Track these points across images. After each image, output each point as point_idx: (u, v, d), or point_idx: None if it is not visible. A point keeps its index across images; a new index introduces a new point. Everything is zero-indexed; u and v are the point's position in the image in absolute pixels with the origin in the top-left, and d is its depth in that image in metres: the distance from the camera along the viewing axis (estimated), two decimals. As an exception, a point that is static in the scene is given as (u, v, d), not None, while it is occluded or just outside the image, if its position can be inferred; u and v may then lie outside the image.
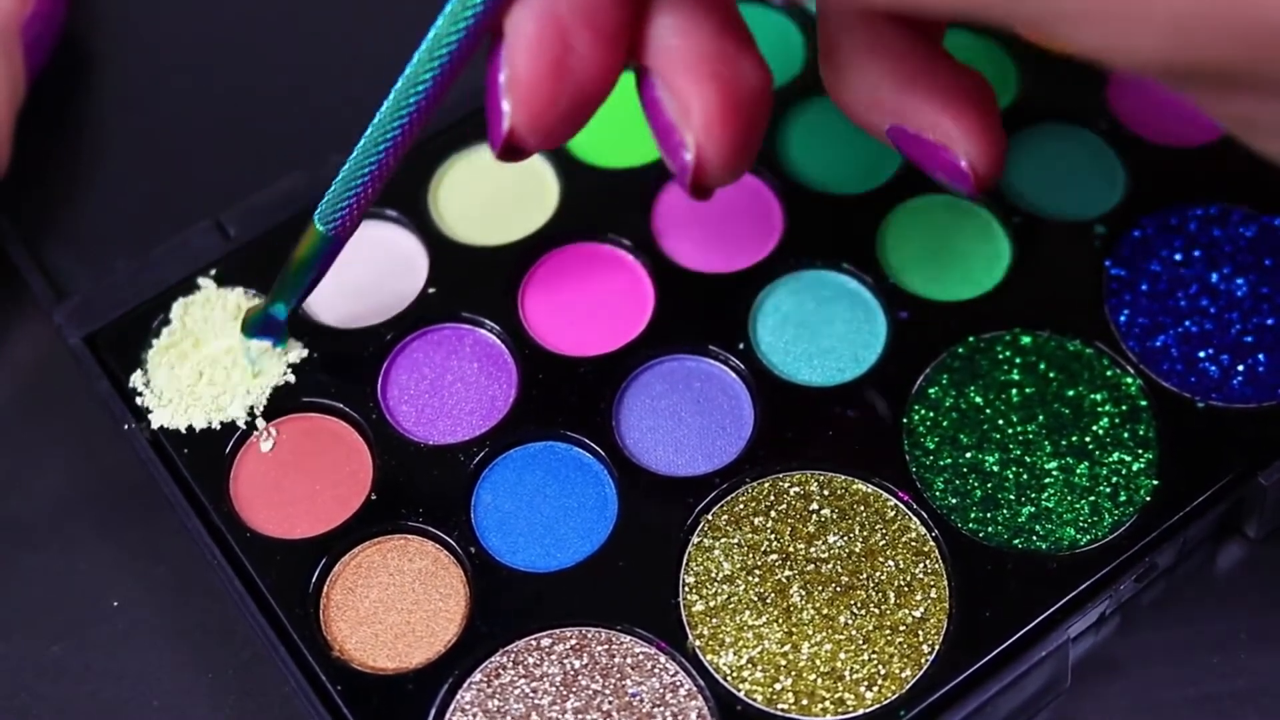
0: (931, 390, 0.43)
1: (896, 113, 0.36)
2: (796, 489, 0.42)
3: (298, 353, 0.44)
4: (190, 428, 0.43)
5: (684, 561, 0.41)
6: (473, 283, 0.46)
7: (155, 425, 0.43)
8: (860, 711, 0.39)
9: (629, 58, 0.35)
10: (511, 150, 0.35)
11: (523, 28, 0.33)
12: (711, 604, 0.40)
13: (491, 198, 0.47)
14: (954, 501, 0.41)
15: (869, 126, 0.37)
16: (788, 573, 0.41)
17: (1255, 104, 0.30)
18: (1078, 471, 0.42)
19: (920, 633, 0.39)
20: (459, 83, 0.35)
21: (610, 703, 0.39)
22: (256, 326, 0.43)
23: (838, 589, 0.40)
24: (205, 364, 0.44)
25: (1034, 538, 0.41)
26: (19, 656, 0.43)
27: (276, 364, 0.44)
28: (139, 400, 0.44)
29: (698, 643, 0.40)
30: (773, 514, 0.41)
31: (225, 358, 0.44)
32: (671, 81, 0.34)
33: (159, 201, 0.50)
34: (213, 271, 0.46)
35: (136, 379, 0.44)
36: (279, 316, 0.43)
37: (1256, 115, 0.30)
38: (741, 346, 0.44)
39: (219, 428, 0.43)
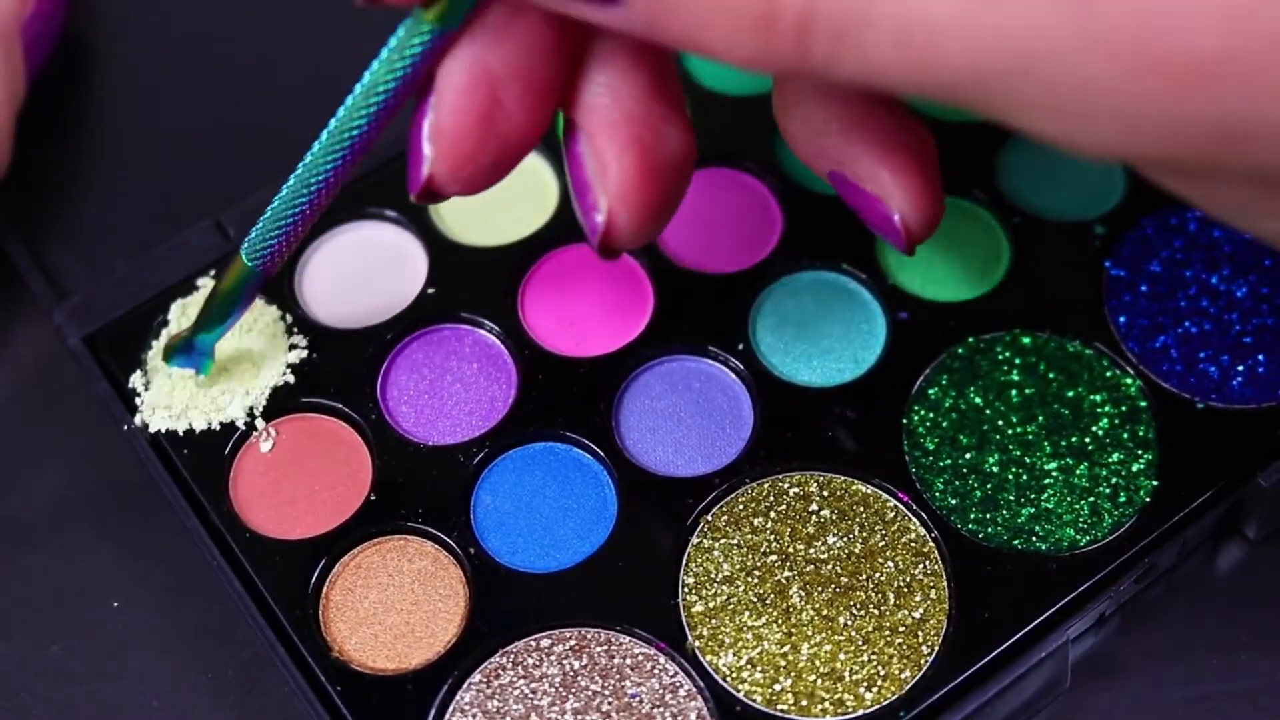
0: (931, 391, 0.43)
1: (837, 159, 0.36)
2: (796, 490, 0.42)
3: (298, 353, 0.44)
4: (190, 428, 0.43)
5: (683, 562, 0.41)
6: (472, 283, 0.46)
7: (154, 427, 0.43)
8: (860, 712, 0.39)
9: (559, 108, 0.35)
10: (429, 195, 0.35)
11: (453, 79, 0.33)
12: (711, 605, 0.40)
13: (491, 198, 0.47)
14: (954, 502, 0.41)
15: (811, 165, 0.37)
16: (787, 573, 0.41)
17: (1218, 190, 0.30)
18: (1077, 472, 0.42)
19: (920, 633, 0.39)
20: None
21: (610, 703, 0.39)
22: (179, 353, 0.43)
23: (837, 590, 0.40)
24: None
25: (1034, 538, 0.41)
26: (19, 656, 0.43)
27: (276, 363, 0.44)
28: (138, 401, 0.44)
29: (697, 643, 0.40)
30: (772, 515, 0.41)
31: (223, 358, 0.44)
32: (594, 140, 0.34)
33: (159, 201, 0.50)
34: (212, 272, 0.46)
35: (136, 379, 0.44)
36: (203, 346, 0.43)
37: (1224, 199, 0.30)
38: (741, 347, 0.44)
39: (218, 428, 0.43)
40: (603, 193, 0.34)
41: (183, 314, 0.45)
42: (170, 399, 0.43)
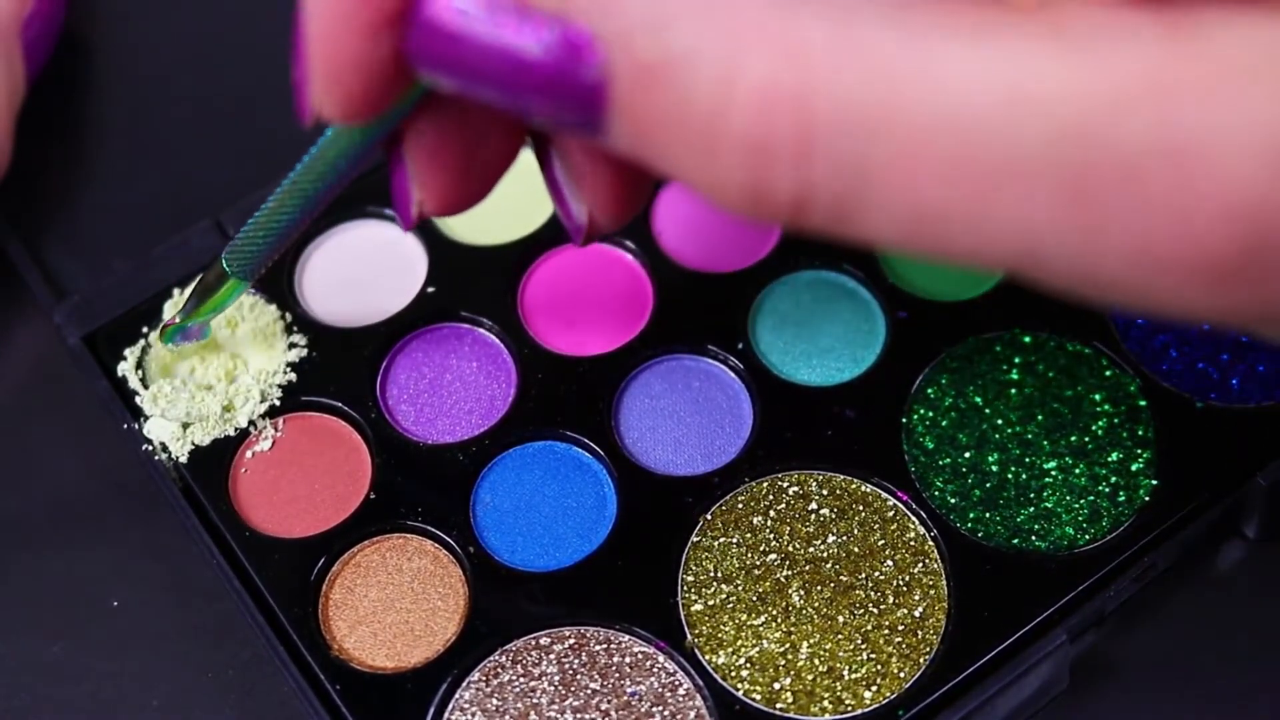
0: (930, 390, 0.43)
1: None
2: (795, 489, 0.42)
3: (298, 352, 0.44)
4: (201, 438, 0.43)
5: (683, 561, 0.41)
6: (472, 282, 0.46)
7: (177, 454, 0.43)
8: (859, 711, 0.39)
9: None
10: (419, 223, 0.35)
11: (425, 131, 0.33)
12: (710, 604, 0.40)
13: (491, 197, 0.47)
14: (953, 501, 0.41)
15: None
16: (787, 572, 0.41)
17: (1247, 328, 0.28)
18: (1076, 471, 0.42)
19: (919, 632, 0.39)
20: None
21: (609, 702, 0.39)
22: (175, 335, 0.43)
23: (837, 589, 0.40)
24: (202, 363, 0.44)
25: (1033, 537, 0.41)
26: (19, 656, 0.43)
27: (276, 359, 0.44)
28: (138, 399, 0.44)
29: (696, 642, 0.40)
30: (772, 514, 0.41)
31: (222, 356, 0.44)
32: (566, 146, 0.34)
33: (159, 201, 0.50)
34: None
35: (134, 380, 0.44)
36: (196, 325, 0.43)
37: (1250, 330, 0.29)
38: (740, 346, 0.44)
39: (234, 434, 0.43)
40: (579, 198, 0.34)
41: (175, 309, 0.45)
42: (184, 414, 0.43)
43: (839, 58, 0.25)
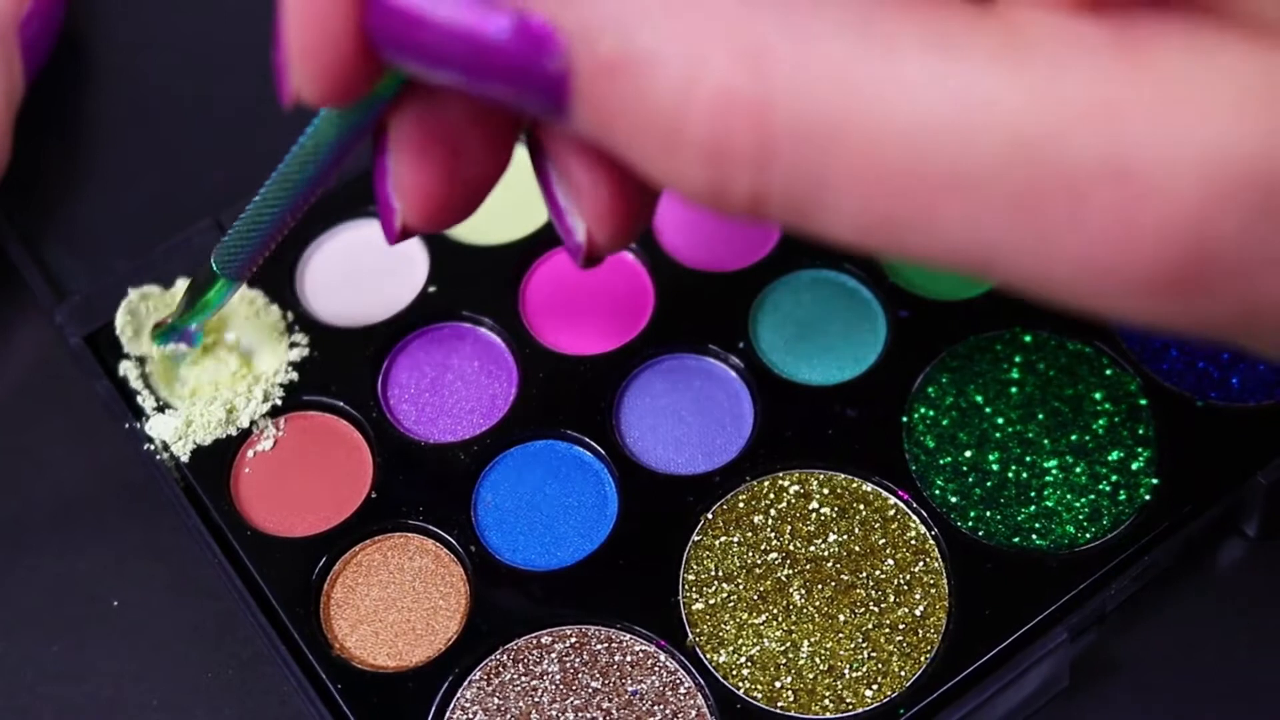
0: (931, 389, 0.43)
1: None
2: (796, 488, 0.42)
3: (299, 351, 0.44)
4: (204, 439, 0.43)
5: (684, 560, 0.41)
6: (473, 281, 0.46)
7: (179, 454, 0.43)
8: (860, 710, 0.39)
9: (521, 131, 0.33)
10: (404, 238, 0.34)
11: (408, 137, 0.32)
12: (711, 602, 0.40)
13: (493, 196, 0.47)
14: (954, 500, 0.41)
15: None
16: (787, 571, 0.41)
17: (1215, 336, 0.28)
18: (1077, 470, 0.42)
19: (920, 631, 0.39)
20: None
21: (610, 701, 0.39)
22: (169, 336, 0.43)
23: (837, 587, 0.40)
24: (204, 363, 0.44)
25: (1033, 536, 0.41)
26: (19, 656, 0.43)
27: (278, 359, 0.44)
28: (139, 399, 0.44)
29: (698, 640, 0.40)
30: (772, 513, 0.41)
31: (225, 355, 0.44)
32: (563, 162, 0.33)
33: (159, 201, 0.50)
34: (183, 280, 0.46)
35: (136, 381, 0.44)
36: (189, 328, 0.43)
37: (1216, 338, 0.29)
38: (742, 345, 0.44)
39: (236, 434, 0.43)
40: (579, 215, 0.33)
41: (141, 301, 0.45)
42: (187, 415, 0.43)
43: (797, 66, 0.26)
